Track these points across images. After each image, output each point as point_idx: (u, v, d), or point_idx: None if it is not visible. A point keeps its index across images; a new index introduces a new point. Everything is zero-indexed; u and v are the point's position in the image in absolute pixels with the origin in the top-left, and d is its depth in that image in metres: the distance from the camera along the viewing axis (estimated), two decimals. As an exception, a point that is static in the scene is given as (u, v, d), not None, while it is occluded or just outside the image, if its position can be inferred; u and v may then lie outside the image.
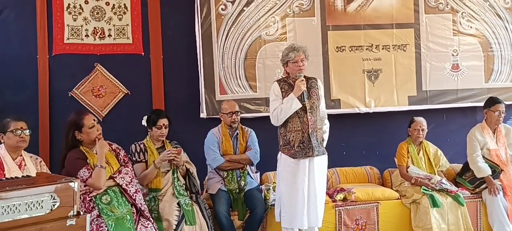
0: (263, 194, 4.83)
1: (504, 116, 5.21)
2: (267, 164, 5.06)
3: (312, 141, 4.17)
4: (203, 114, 5.52)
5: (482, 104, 5.42)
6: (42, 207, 2.66)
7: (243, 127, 4.97)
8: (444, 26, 5.94)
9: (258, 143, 4.93)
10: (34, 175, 3.38)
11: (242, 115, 5.07)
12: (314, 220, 4.25)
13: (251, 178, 4.90)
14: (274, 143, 4.51)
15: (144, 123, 4.53)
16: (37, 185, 2.72)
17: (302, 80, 4.18)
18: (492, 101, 5.25)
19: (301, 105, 4.17)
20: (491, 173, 4.98)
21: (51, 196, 2.70)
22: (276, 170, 4.57)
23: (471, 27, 5.99)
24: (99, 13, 5.47)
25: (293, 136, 4.22)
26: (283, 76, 4.49)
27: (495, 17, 6.05)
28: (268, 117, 4.43)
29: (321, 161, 4.29)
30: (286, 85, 4.31)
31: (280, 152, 4.36)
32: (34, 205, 2.63)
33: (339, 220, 4.85)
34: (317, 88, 4.37)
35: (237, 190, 4.71)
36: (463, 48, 5.97)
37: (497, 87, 6.01)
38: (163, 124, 4.48)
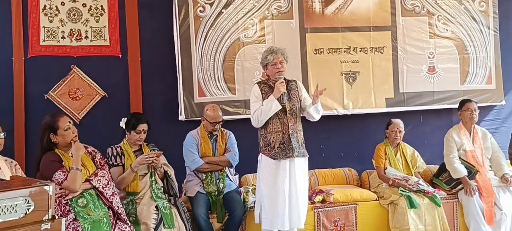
0: (242, 196, 4.83)
1: (477, 113, 5.29)
2: (246, 166, 5.07)
3: (293, 142, 4.20)
4: (181, 117, 5.49)
5: (457, 106, 5.50)
6: (16, 211, 2.61)
7: (222, 129, 4.95)
8: (420, 29, 6.02)
9: (237, 145, 4.93)
10: (8, 178, 3.32)
11: (220, 117, 5.05)
12: (295, 222, 4.26)
13: (230, 180, 4.89)
14: (253, 145, 4.52)
15: (122, 124, 4.49)
16: (11, 189, 2.67)
17: (282, 82, 4.20)
18: (462, 103, 5.39)
19: (280, 107, 4.20)
20: (467, 174, 5.04)
21: (25, 200, 2.65)
22: (255, 172, 4.59)
23: (447, 30, 6.08)
24: (76, 14, 5.40)
25: (273, 137, 4.24)
26: (263, 78, 4.51)
27: (471, 20, 6.15)
28: (247, 119, 4.45)
29: (302, 162, 4.32)
30: (266, 87, 4.34)
31: (260, 153, 4.38)
32: (7, 209, 2.58)
33: (318, 221, 4.87)
34: (297, 90, 4.42)
35: (216, 193, 4.69)
36: (439, 50, 6.05)
37: (472, 89, 6.10)
38: (143, 129, 4.45)
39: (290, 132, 4.22)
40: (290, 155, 4.20)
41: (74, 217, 3.62)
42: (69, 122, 3.87)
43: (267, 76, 4.42)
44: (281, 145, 4.22)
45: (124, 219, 3.88)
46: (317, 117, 4.43)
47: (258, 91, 4.35)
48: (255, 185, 4.68)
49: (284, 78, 4.33)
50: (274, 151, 4.24)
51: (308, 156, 4.39)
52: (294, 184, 4.22)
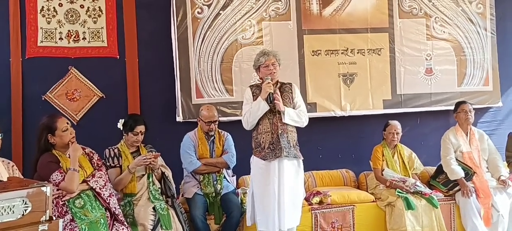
0: (239, 197, 4.83)
1: (473, 114, 5.30)
2: (244, 167, 5.03)
3: (282, 142, 4.18)
4: (179, 118, 5.49)
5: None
6: (13, 212, 2.61)
7: (219, 130, 4.95)
8: (417, 31, 6.03)
9: (235, 146, 4.93)
10: (5, 179, 3.32)
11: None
12: (287, 223, 4.24)
13: (228, 181, 4.88)
14: (250, 147, 4.51)
15: (120, 126, 4.49)
16: (8, 190, 2.67)
17: (268, 83, 4.19)
18: (457, 105, 5.42)
19: (268, 108, 4.20)
20: (464, 176, 5.05)
21: (23, 201, 2.65)
22: (252, 174, 4.59)
23: (444, 32, 6.10)
24: (74, 16, 5.40)
25: (263, 138, 4.24)
26: (258, 81, 4.51)
27: (468, 22, 6.16)
28: (245, 120, 4.44)
29: (293, 163, 4.29)
30: (258, 90, 4.34)
31: (252, 155, 4.38)
32: (5, 210, 2.58)
33: (315, 223, 4.87)
34: (291, 92, 4.39)
35: (214, 194, 4.69)
36: (436, 52, 6.07)
37: (469, 91, 6.12)
38: (140, 131, 4.45)
39: (280, 132, 4.20)
40: (278, 155, 4.18)
41: (71, 217, 3.62)
42: (67, 123, 3.87)
43: (261, 78, 4.42)
44: (270, 146, 4.21)
45: (121, 220, 3.88)
46: (296, 124, 4.32)
47: (249, 94, 4.37)
48: (249, 186, 4.68)
49: (277, 82, 4.35)
50: (264, 152, 4.23)
51: (302, 158, 4.35)
52: (283, 184, 4.18)
